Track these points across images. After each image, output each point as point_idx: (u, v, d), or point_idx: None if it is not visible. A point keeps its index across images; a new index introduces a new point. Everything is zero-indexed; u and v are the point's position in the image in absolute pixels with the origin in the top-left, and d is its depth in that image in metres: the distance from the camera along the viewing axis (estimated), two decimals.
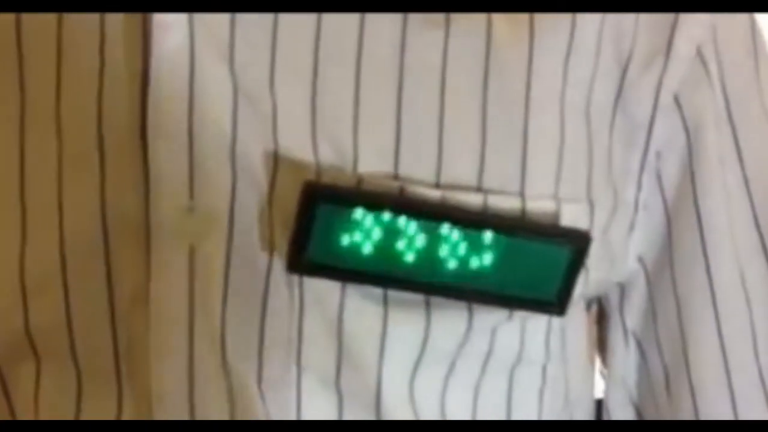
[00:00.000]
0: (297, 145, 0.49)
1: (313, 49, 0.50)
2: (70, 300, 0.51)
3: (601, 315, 0.61)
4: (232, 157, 0.49)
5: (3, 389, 0.54)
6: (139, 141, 0.49)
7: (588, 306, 0.59)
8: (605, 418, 0.63)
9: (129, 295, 0.51)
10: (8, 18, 0.51)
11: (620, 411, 0.62)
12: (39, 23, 0.51)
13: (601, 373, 0.64)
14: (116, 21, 0.50)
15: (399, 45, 0.50)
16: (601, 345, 0.62)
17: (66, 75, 0.51)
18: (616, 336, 0.60)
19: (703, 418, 0.59)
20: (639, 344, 0.60)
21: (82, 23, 0.50)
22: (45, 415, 0.52)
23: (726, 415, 0.59)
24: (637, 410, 0.62)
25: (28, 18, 0.51)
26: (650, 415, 0.62)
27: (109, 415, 0.52)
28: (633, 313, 0.59)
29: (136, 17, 0.49)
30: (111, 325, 0.51)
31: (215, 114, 0.49)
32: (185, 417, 0.50)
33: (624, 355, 0.61)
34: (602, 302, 0.60)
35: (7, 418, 0.53)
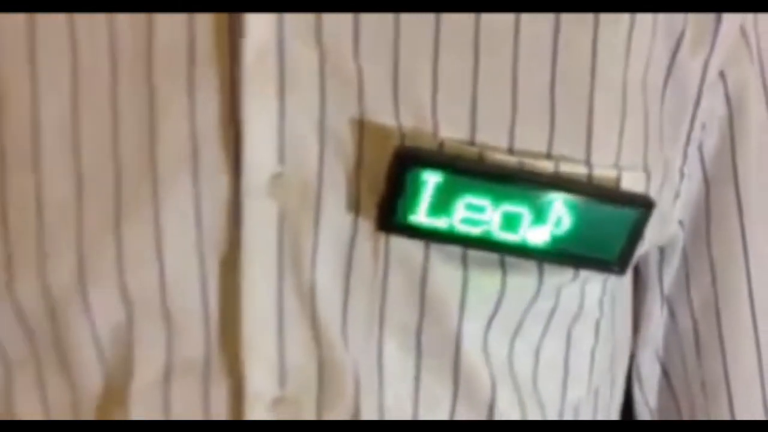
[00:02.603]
0: (381, 112, 0.53)
1: (394, 20, 0.53)
2: (165, 271, 0.54)
3: (635, 278, 0.65)
4: (321, 127, 0.52)
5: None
6: (230, 120, 0.53)
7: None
8: (634, 375, 0.67)
9: (219, 255, 0.54)
10: None
11: (648, 368, 0.67)
12: None
13: None
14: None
15: (473, 18, 0.53)
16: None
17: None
18: (652, 298, 0.65)
19: (731, 374, 0.64)
20: (671, 306, 0.65)
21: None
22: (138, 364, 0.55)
23: (752, 373, 0.64)
24: (663, 367, 0.67)
25: None
26: (676, 372, 0.66)
27: (197, 365, 0.55)
28: (669, 276, 0.64)
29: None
30: (202, 285, 0.54)
31: (304, 89, 0.52)
32: (274, 364, 0.54)
33: (659, 316, 0.65)
34: (640, 266, 0.64)
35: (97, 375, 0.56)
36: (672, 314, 0.65)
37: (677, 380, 0.66)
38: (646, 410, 0.68)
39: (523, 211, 0.53)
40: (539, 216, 0.53)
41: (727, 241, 0.62)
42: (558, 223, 0.53)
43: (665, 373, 0.67)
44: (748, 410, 0.64)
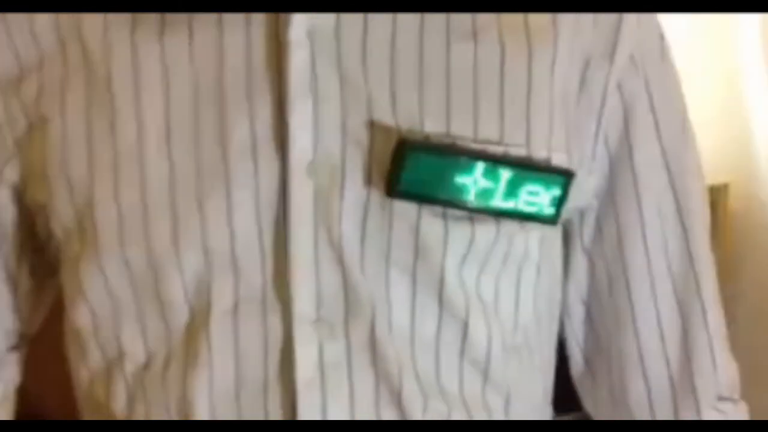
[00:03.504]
0: (384, 117, 0.76)
1: (390, 54, 0.77)
2: (235, 233, 0.77)
3: (564, 239, 0.89)
4: (343, 128, 0.76)
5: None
6: (279, 124, 0.76)
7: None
8: (564, 312, 0.90)
9: (272, 219, 0.76)
10: None
11: (574, 307, 0.90)
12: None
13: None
14: (258, 40, 0.76)
15: (444, 50, 0.77)
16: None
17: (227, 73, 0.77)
18: (575, 252, 0.88)
19: (635, 306, 0.87)
20: (590, 257, 0.88)
21: (236, 42, 0.76)
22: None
23: (648, 304, 0.87)
24: (586, 306, 0.90)
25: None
26: (594, 309, 0.90)
27: (256, 299, 0.77)
28: (588, 233, 0.87)
29: (273, 39, 0.76)
30: (260, 241, 0.77)
31: (331, 102, 0.76)
32: (313, 295, 0.76)
33: (581, 265, 0.88)
34: (567, 228, 0.88)
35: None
36: (591, 264, 0.89)
37: (596, 314, 0.90)
38: (573, 340, 0.91)
39: (486, 180, 0.76)
40: (497, 185, 0.76)
41: (627, 206, 0.86)
42: (510, 189, 0.76)
43: (587, 311, 0.90)
44: (648, 332, 0.88)
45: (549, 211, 0.78)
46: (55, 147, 0.80)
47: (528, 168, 0.77)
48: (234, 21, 0.77)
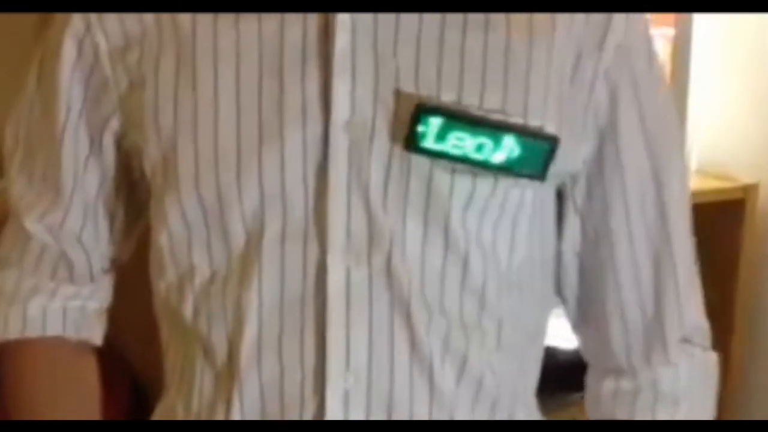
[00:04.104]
0: (408, 87, 0.95)
1: (416, 38, 0.96)
2: (285, 175, 0.96)
3: (558, 201, 1.07)
4: (375, 95, 0.95)
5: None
6: (324, 92, 0.95)
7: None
8: (560, 264, 1.08)
9: (316, 165, 0.96)
10: None
11: (568, 258, 1.08)
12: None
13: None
14: (312, 27, 0.96)
15: (461, 37, 0.96)
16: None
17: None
18: (569, 210, 1.06)
19: (616, 261, 1.05)
20: (581, 216, 1.06)
21: (294, 29, 0.96)
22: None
23: (626, 254, 1.05)
24: (579, 258, 1.08)
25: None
26: (586, 259, 1.07)
27: (299, 230, 0.96)
28: (579, 196, 1.05)
29: (323, 24, 0.96)
30: (304, 182, 0.96)
31: (366, 74, 0.95)
32: (344, 228, 0.95)
33: (574, 223, 1.06)
34: (561, 190, 1.05)
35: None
36: (582, 223, 1.06)
37: (587, 266, 1.08)
38: (569, 289, 1.09)
39: (488, 140, 0.94)
40: (496, 144, 0.95)
41: (612, 176, 1.04)
42: (508, 148, 0.95)
43: (580, 262, 1.08)
44: (626, 283, 1.05)
45: (538, 168, 0.96)
46: (150, 101, 1.00)
47: (523, 133, 0.95)
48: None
